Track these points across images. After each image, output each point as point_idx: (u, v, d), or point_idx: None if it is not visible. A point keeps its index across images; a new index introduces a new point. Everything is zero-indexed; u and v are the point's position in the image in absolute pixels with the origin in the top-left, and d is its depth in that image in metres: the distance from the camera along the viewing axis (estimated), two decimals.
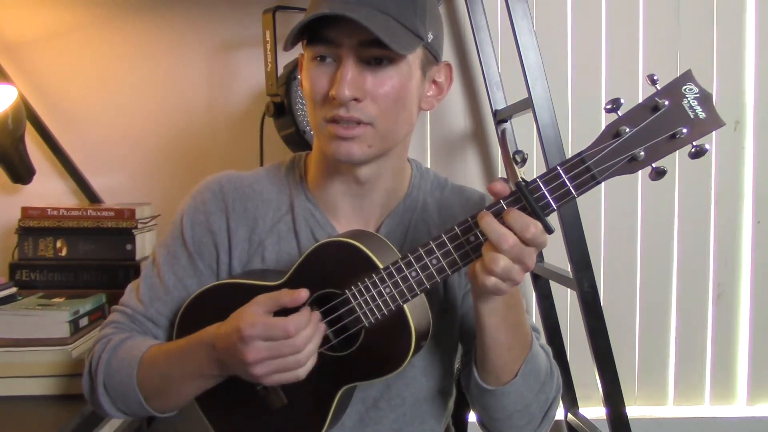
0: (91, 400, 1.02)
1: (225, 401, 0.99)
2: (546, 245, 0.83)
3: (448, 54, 1.83)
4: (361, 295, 0.89)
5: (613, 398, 1.48)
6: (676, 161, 1.88)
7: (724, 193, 1.90)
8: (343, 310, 0.91)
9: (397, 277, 0.88)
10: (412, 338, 0.89)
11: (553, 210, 0.82)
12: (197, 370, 0.94)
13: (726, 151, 1.89)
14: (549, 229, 0.82)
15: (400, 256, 0.89)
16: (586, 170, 0.80)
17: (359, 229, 0.99)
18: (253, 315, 0.87)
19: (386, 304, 0.89)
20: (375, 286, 0.89)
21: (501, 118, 1.77)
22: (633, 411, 1.86)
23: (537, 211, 0.81)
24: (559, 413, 1.84)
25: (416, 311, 0.91)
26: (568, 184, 0.81)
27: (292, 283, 0.93)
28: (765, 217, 1.91)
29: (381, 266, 0.89)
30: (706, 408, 1.94)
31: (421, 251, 0.87)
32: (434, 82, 1.01)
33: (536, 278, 1.80)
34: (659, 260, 1.91)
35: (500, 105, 1.77)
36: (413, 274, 0.87)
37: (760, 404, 1.95)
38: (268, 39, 1.57)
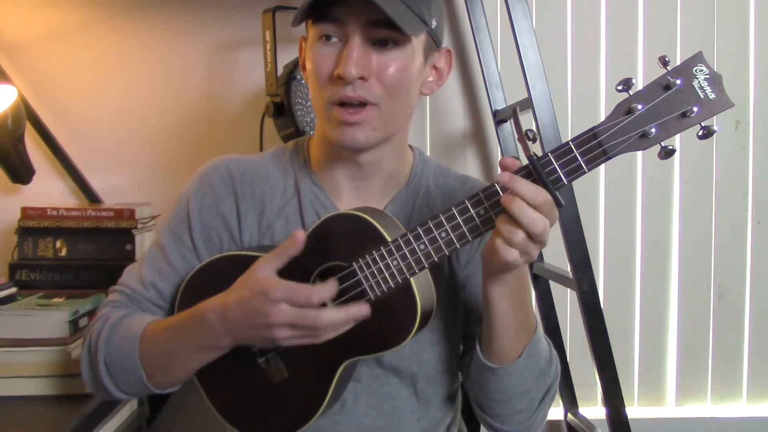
0: (91, 381, 1.01)
1: (224, 375, 0.99)
2: (557, 220, 0.84)
3: None
4: (368, 267, 0.89)
5: (613, 398, 1.48)
6: (676, 160, 1.88)
7: (724, 193, 1.90)
8: (348, 282, 0.91)
9: (405, 250, 0.88)
10: (417, 312, 0.89)
11: (564, 184, 0.83)
12: (200, 343, 0.93)
13: (726, 151, 1.89)
14: (559, 203, 0.83)
15: (407, 231, 0.89)
16: (598, 145, 0.82)
17: (366, 206, 0.99)
18: (272, 276, 0.88)
19: (393, 276, 0.89)
20: (383, 258, 0.89)
21: (501, 118, 1.77)
22: (633, 411, 1.86)
23: (548, 184, 0.82)
24: (559, 413, 1.84)
25: (422, 288, 0.91)
26: (580, 159, 0.82)
27: (298, 257, 0.92)
28: (765, 217, 1.91)
29: (389, 239, 0.89)
30: (706, 408, 1.94)
31: (431, 224, 0.88)
32: (435, 67, 1.01)
33: (536, 278, 1.80)
34: (659, 260, 1.91)
35: (500, 105, 1.77)
36: (421, 246, 0.88)
37: (760, 404, 1.95)
38: (268, 39, 1.57)
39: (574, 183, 1.51)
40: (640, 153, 1.90)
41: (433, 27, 0.95)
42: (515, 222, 0.81)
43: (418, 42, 0.95)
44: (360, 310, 0.88)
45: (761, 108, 1.89)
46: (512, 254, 0.82)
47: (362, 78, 0.91)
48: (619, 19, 1.86)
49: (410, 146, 1.10)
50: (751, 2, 1.87)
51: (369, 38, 0.91)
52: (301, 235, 0.89)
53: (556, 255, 1.69)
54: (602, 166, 1.92)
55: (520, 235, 0.81)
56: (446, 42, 1.82)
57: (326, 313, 0.86)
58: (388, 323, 0.91)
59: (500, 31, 1.82)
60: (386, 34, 0.91)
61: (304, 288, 0.87)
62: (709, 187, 1.90)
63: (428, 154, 1.13)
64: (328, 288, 0.88)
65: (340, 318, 0.87)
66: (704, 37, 1.86)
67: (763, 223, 1.92)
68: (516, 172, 0.84)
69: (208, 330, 0.92)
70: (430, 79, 1.01)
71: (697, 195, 1.90)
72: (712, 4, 1.86)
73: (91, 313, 1.39)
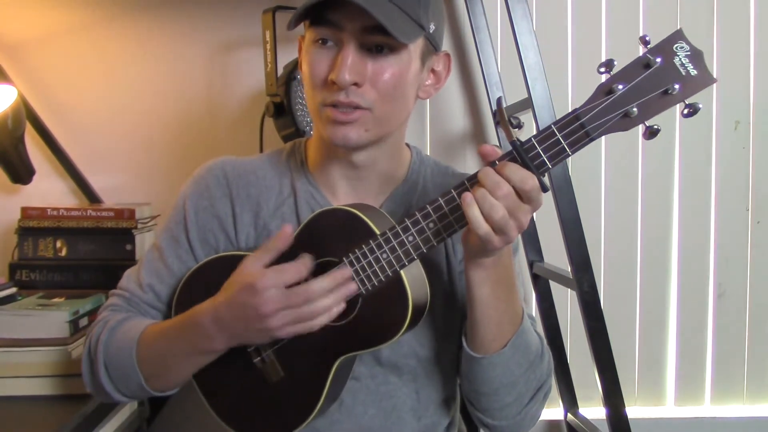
0: (91, 384, 1.01)
1: (222, 377, 0.99)
2: (541, 205, 0.83)
3: None
4: (359, 261, 0.90)
5: (613, 398, 1.48)
6: (676, 159, 1.88)
7: (724, 193, 1.90)
8: None
9: (394, 242, 0.88)
10: (408, 305, 0.89)
11: (549, 168, 0.83)
12: (195, 348, 0.94)
13: (726, 151, 1.89)
14: (544, 188, 0.83)
15: (395, 223, 0.89)
16: (580, 127, 0.81)
17: (357, 202, 1.00)
18: (258, 269, 0.89)
19: (383, 269, 0.89)
20: (372, 252, 0.89)
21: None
22: (633, 411, 1.86)
23: (533, 169, 0.82)
24: (559, 413, 1.84)
25: (414, 281, 0.91)
26: (563, 141, 0.82)
27: (290, 253, 0.93)
28: (765, 217, 1.91)
29: (378, 232, 0.89)
30: (706, 408, 1.94)
31: (418, 215, 0.88)
32: (432, 71, 1.01)
33: (536, 278, 1.80)
34: (659, 260, 1.91)
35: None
36: (410, 238, 0.88)
37: (760, 404, 1.95)
38: (268, 39, 1.57)
39: (574, 183, 1.51)
40: (640, 151, 1.91)
41: (431, 31, 0.94)
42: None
43: (416, 47, 0.94)
44: (342, 272, 0.89)
45: (761, 108, 1.89)
46: (483, 228, 0.81)
47: (356, 84, 0.91)
48: (620, 18, 1.85)
49: (407, 145, 1.10)
50: (751, 2, 1.87)
51: (364, 44, 0.91)
52: (289, 230, 0.91)
53: (556, 255, 1.69)
54: (602, 166, 1.94)
55: (499, 212, 0.80)
56: (446, 42, 1.82)
57: (314, 282, 0.87)
58: (380, 317, 0.91)
59: (500, 31, 1.82)
60: (381, 40, 0.90)
61: (289, 264, 0.88)
62: (708, 187, 1.90)
63: (428, 153, 1.13)
64: (304, 259, 0.90)
65: (326, 283, 0.88)
66: (704, 37, 1.85)
67: (763, 223, 1.92)
68: (500, 159, 0.84)
69: (201, 334, 0.92)
70: (428, 82, 1.01)
71: (697, 195, 1.90)
72: (712, 4, 1.86)
73: (91, 313, 1.39)
